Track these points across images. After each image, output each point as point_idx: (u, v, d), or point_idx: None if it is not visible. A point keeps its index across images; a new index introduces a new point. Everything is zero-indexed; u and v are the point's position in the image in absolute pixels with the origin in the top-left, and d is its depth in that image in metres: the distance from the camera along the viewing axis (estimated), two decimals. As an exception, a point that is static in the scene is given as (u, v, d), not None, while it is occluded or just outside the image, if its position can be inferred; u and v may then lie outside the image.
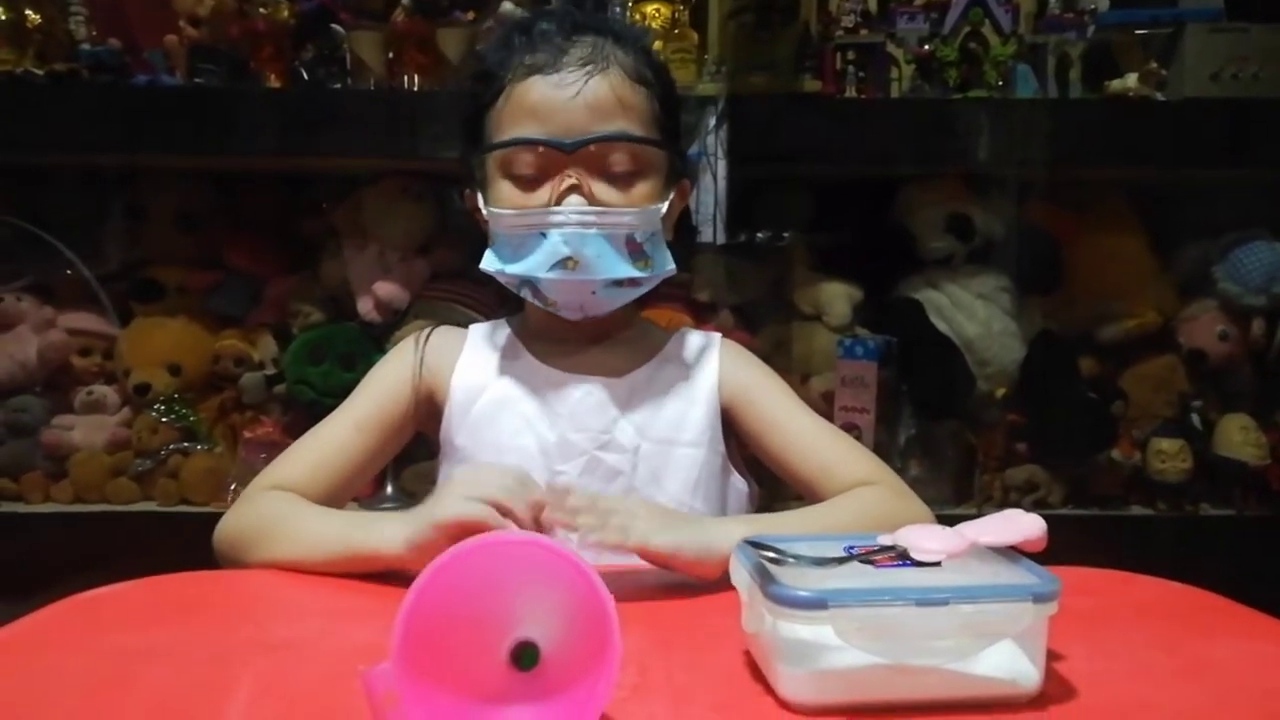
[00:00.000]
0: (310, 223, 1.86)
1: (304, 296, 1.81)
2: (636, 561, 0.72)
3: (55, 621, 0.68)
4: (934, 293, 1.82)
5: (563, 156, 0.83)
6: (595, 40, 0.85)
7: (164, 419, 1.74)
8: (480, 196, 0.89)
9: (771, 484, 0.98)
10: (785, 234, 1.90)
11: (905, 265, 1.86)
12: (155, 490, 1.73)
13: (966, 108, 1.72)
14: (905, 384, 1.80)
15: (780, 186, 1.90)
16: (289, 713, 0.54)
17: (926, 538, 0.58)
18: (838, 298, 1.81)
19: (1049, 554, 0.59)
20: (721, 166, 1.75)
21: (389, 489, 1.71)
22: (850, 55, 1.75)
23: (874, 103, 1.75)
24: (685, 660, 0.61)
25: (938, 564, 0.57)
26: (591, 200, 0.83)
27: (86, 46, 1.72)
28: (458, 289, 1.78)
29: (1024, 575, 0.56)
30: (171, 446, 1.74)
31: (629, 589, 0.72)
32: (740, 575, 0.57)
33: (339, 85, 1.74)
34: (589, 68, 0.83)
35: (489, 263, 0.88)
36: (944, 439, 1.81)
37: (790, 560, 0.56)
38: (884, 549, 0.58)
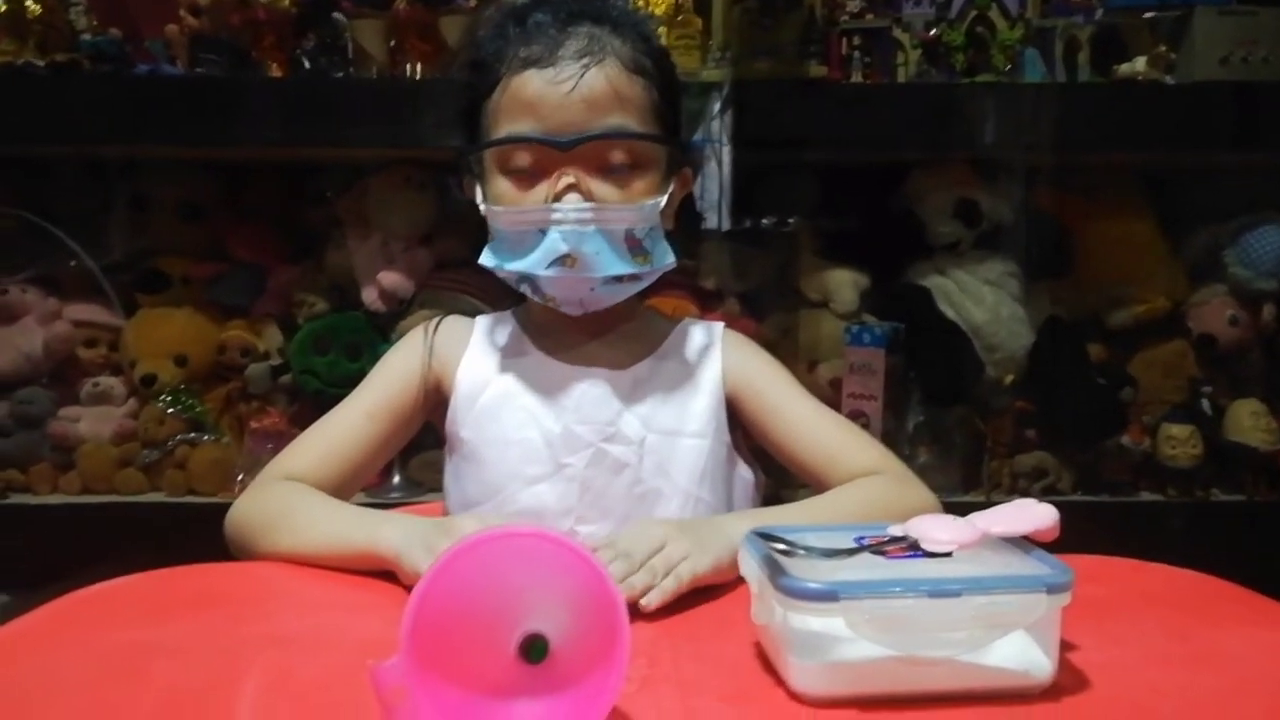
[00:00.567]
0: (313, 212, 1.85)
1: (308, 286, 1.81)
2: None
3: (63, 616, 0.67)
4: (942, 279, 1.81)
5: (559, 155, 0.81)
6: (591, 30, 0.83)
7: (170, 410, 1.74)
8: (479, 190, 0.89)
9: (778, 473, 0.97)
10: (790, 220, 1.89)
11: (913, 252, 1.85)
12: (163, 481, 1.74)
13: (973, 93, 1.71)
14: (913, 371, 1.79)
15: (786, 173, 1.89)
16: (299, 708, 0.54)
17: (937, 528, 0.57)
18: (845, 285, 1.80)
19: (1059, 541, 0.59)
20: (727, 154, 1.74)
21: (396, 478, 1.71)
22: (856, 40, 1.74)
23: (880, 88, 1.74)
24: (694, 650, 0.61)
25: (949, 555, 0.56)
26: (589, 198, 0.82)
27: (87, 37, 1.72)
28: (462, 278, 1.78)
29: (1037, 566, 0.55)
30: (178, 437, 1.74)
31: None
32: (750, 567, 0.57)
33: (341, 74, 1.73)
34: (585, 60, 0.82)
35: (488, 259, 0.87)
36: (952, 426, 1.81)
37: (800, 552, 0.55)
38: (895, 540, 0.58)
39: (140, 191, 1.82)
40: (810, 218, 1.88)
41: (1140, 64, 1.71)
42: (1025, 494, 1.78)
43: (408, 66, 1.70)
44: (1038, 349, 1.80)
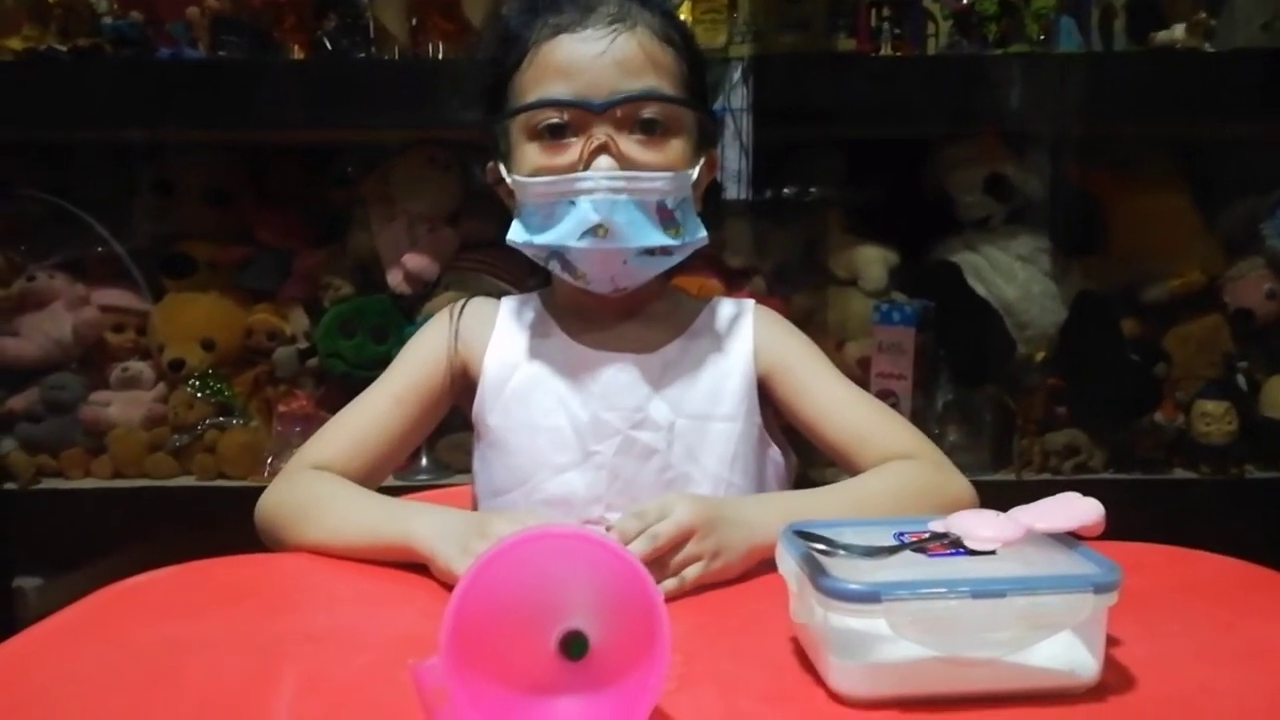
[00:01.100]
0: (337, 195, 1.85)
1: (333, 269, 1.81)
2: None
3: (97, 612, 0.68)
4: (972, 255, 1.78)
5: (591, 116, 0.80)
6: (621, 0, 0.83)
7: (199, 394, 1.75)
8: (503, 167, 0.87)
9: (806, 451, 0.96)
10: (812, 189, 1.86)
11: (942, 228, 1.82)
12: (193, 465, 1.75)
13: (1006, 64, 1.67)
14: (943, 349, 1.77)
15: (814, 149, 1.86)
16: (338, 708, 0.54)
17: (980, 525, 0.56)
18: (873, 262, 1.77)
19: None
20: (754, 130, 1.71)
21: (424, 460, 1.71)
22: (885, 11, 1.71)
23: (910, 60, 1.71)
24: (731, 646, 0.60)
25: (992, 552, 0.55)
26: (621, 160, 0.80)
27: (108, 21, 1.72)
28: (488, 259, 1.77)
29: (1082, 564, 0.54)
30: (208, 421, 1.75)
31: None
32: (788, 565, 0.56)
33: (363, 55, 1.72)
34: (616, 26, 0.81)
35: (516, 234, 0.86)
36: (982, 404, 1.79)
37: (840, 552, 0.54)
38: (936, 536, 0.57)
39: (165, 176, 1.82)
40: (839, 194, 1.86)
41: (1179, 31, 1.67)
42: (1056, 472, 1.77)
43: (430, 46, 1.68)
44: (1069, 325, 1.78)
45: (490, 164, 0.89)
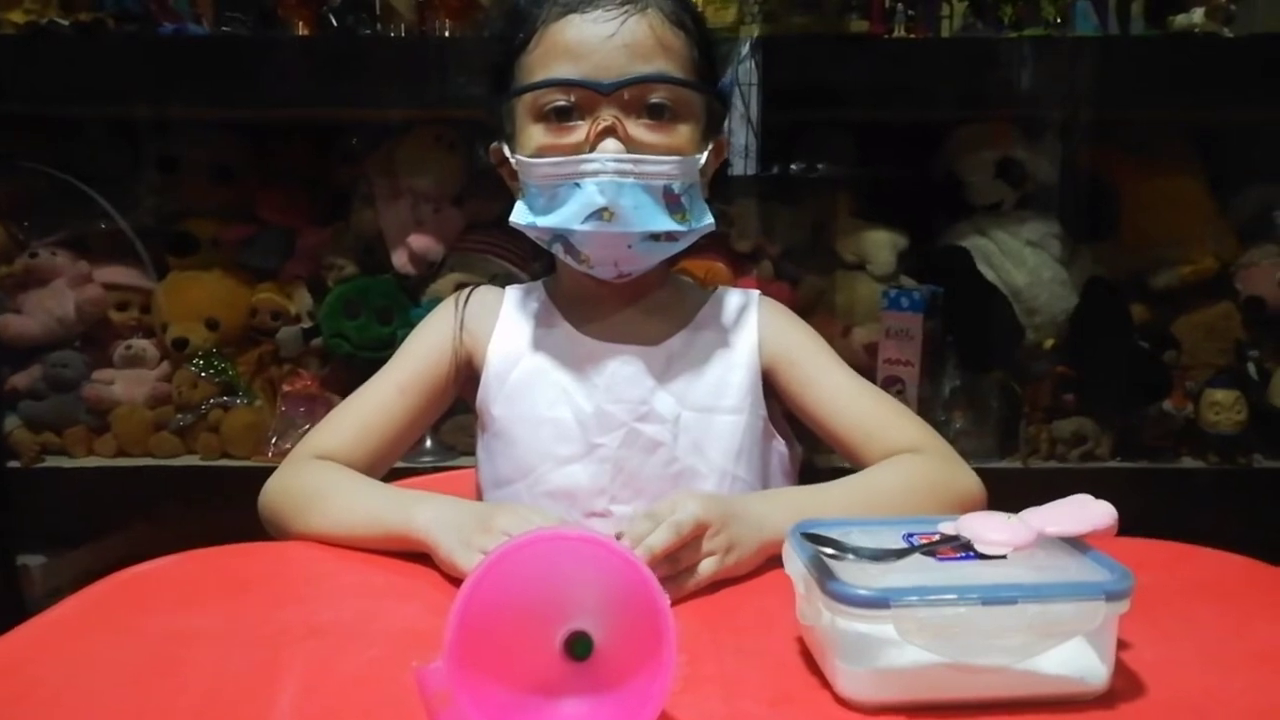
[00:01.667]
0: (341, 172, 1.83)
1: (337, 249, 1.80)
2: None
3: (101, 602, 0.67)
4: (982, 240, 1.77)
5: (598, 98, 0.79)
6: None
7: (203, 373, 1.74)
8: (507, 148, 0.86)
9: (809, 439, 0.95)
10: (819, 165, 1.84)
11: (952, 212, 1.80)
12: (197, 444, 1.75)
13: (1022, 47, 1.64)
14: (951, 335, 1.76)
15: (825, 132, 1.84)
16: (340, 704, 0.53)
17: (991, 528, 0.55)
18: (882, 246, 1.76)
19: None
20: (763, 111, 1.69)
21: (428, 443, 1.71)
22: (900, -7, 1.68)
23: (924, 43, 1.69)
24: (736, 646, 0.60)
25: (1003, 556, 0.54)
26: (629, 143, 0.79)
27: (111, -6, 1.70)
28: (493, 240, 1.76)
29: (1094, 570, 0.53)
30: (211, 401, 1.75)
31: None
32: (795, 566, 0.55)
33: (369, 31, 1.70)
34: (627, 8, 0.80)
35: (519, 215, 0.85)
36: (990, 390, 1.77)
37: (849, 555, 0.54)
38: (946, 539, 0.56)
39: (169, 153, 1.80)
40: (848, 176, 1.84)
41: (1198, 15, 1.64)
42: (1063, 460, 1.76)
43: (436, 23, 1.66)
44: (1079, 311, 1.76)
45: (494, 144, 0.88)
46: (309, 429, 0.91)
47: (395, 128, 1.77)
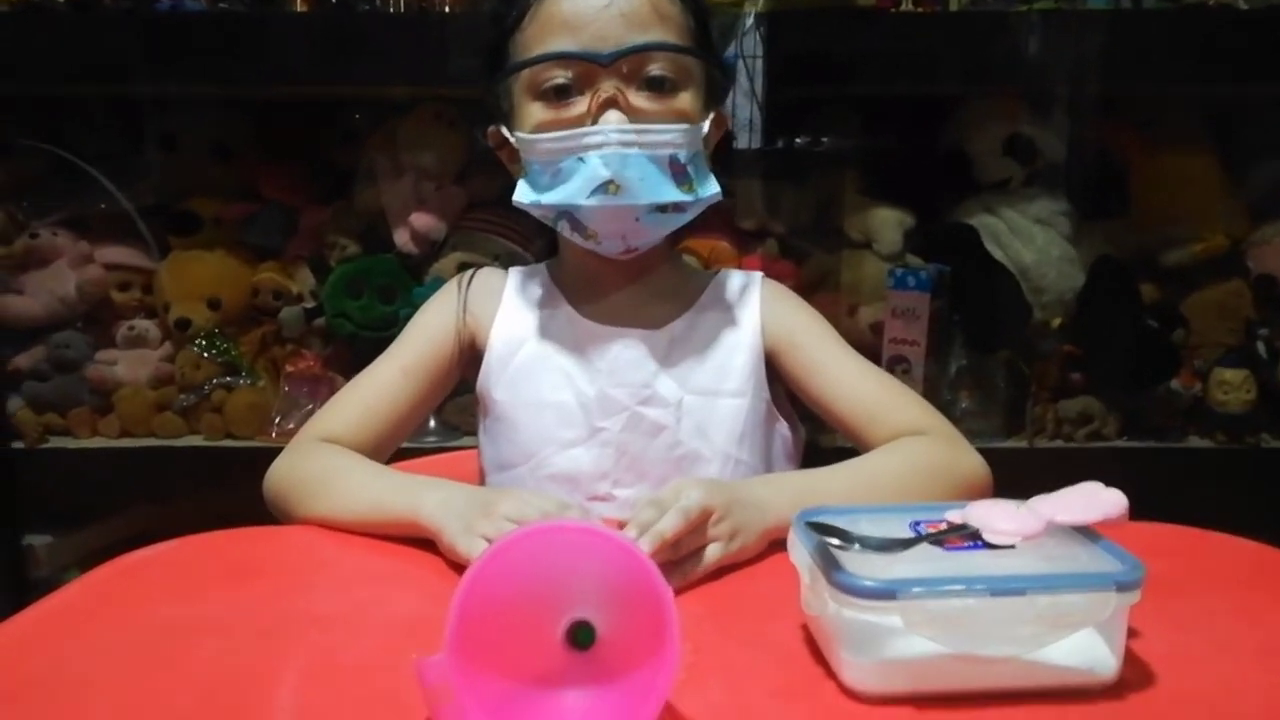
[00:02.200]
0: (342, 151, 1.82)
1: (339, 228, 1.78)
2: None
3: (100, 588, 0.67)
4: (990, 218, 1.75)
5: (598, 70, 0.78)
6: None
7: (206, 354, 1.74)
8: (505, 129, 0.85)
9: (815, 422, 0.94)
10: (824, 138, 1.82)
11: (959, 189, 1.78)
12: (200, 424, 1.74)
13: (1031, 20, 1.62)
14: (958, 314, 1.74)
15: (830, 108, 1.81)
16: (342, 694, 0.53)
17: (1000, 517, 0.54)
18: (889, 224, 1.74)
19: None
20: (768, 87, 1.66)
21: (432, 423, 1.70)
22: (908, -34, 1.65)
23: (932, 16, 1.65)
24: (741, 634, 0.59)
25: (1011, 546, 0.53)
26: (631, 113, 0.78)
27: (106, -31, 1.68)
28: (496, 218, 1.74)
29: (1105, 560, 0.52)
30: (215, 381, 1.74)
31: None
32: (801, 555, 0.55)
33: (368, 7, 1.68)
34: None
35: (522, 194, 0.84)
36: (996, 370, 1.76)
37: (855, 545, 0.53)
38: (954, 528, 0.55)
39: (169, 131, 1.79)
40: (854, 153, 1.81)
41: (1211, -12, 1.61)
42: (1069, 440, 1.75)
43: (435, -1, 1.64)
44: (1087, 290, 1.74)
45: (491, 128, 0.87)
46: (312, 409, 0.91)
47: (397, 105, 1.75)
